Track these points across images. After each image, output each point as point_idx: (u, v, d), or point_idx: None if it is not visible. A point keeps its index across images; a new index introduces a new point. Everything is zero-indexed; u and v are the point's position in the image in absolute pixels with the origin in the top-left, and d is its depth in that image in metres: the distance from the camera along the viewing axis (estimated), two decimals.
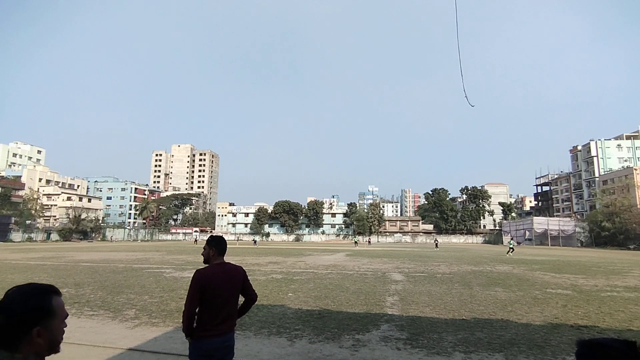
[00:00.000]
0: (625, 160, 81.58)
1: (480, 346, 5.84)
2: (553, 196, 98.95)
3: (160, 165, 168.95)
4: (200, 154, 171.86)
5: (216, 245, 3.17)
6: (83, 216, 76.61)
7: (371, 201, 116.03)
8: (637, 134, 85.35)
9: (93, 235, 78.08)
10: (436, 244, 52.87)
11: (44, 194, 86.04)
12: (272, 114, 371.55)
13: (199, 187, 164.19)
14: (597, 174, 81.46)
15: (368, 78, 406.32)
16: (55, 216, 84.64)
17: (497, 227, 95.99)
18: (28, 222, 71.37)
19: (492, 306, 9.10)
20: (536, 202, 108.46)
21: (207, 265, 3.14)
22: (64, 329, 1.31)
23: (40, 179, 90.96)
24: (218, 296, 2.97)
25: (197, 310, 2.99)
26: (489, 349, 5.71)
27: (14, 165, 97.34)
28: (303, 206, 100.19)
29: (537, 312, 8.41)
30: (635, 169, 69.01)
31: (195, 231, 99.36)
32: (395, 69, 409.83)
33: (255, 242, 61.15)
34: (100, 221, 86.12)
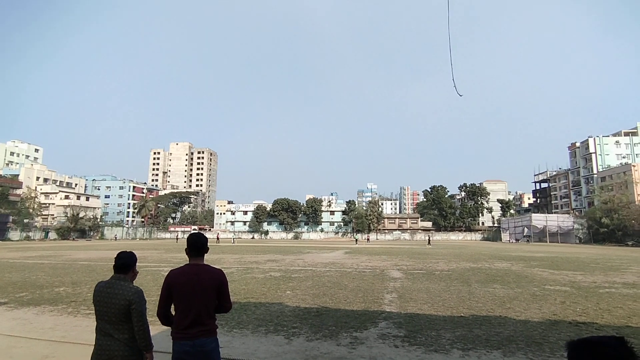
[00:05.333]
0: (624, 157, 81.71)
1: (478, 343, 5.82)
2: (551, 193, 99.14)
3: (158, 164, 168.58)
4: (199, 152, 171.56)
5: (189, 245, 3.03)
6: (81, 215, 76.40)
7: (370, 199, 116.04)
8: (635, 130, 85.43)
9: (91, 234, 77.95)
10: (429, 241, 52.94)
11: (42, 193, 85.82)
12: (271, 112, 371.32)
13: (197, 185, 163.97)
14: (595, 171, 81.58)
15: (367, 76, 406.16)
16: (53, 215, 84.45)
17: (495, 224, 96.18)
18: (26, 221, 71.22)
19: (490, 303, 9.09)
20: (535, 199, 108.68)
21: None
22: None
23: (37, 178, 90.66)
24: (183, 298, 2.87)
25: (170, 310, 2.99)
26: (487, 346, 5.69)
27: (12, 164, 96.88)
28: (302, 204, 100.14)
29: (536, 309, 8.40)
30: (634, 166, 69.13)
31: (194, 229, 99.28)
32: (395, 67, 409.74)
33: (234, 240, 61.64)
34: (99, 220, 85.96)
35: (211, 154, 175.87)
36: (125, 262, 3.00)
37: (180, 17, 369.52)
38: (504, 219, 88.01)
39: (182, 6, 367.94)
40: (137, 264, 3.10)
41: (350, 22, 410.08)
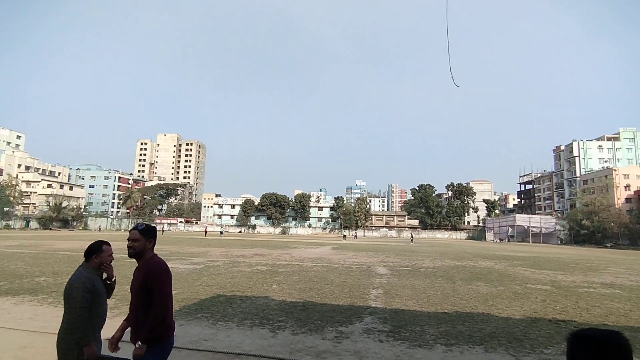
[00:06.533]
0: (606, 161, 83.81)
1: (461, 339, 5.91)
2: (536, 194, 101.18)
3: (145, 155, 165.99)
4: (187, 144, 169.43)
5: (155, 236, 3.00)
6: (64, 204, 74.75)
7: (358, 195, 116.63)
8: (617, 135, 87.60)
9: (74, 224, 76.41)
10: (412, 239, 53.47)
11: (23, 181, 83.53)
12: (261, 106, 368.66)
13: (185, 178, 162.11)
14: (578, 174, 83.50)
15: (357, 73, 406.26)
16: (34, 204, 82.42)
17: (480, 224, 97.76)
18: (6, 209, 69.29)
19: (473, 300, 9.24)
20: (519, 200, 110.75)
21: (146, 257, 2.93)
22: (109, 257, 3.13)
23: (19, 165, 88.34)
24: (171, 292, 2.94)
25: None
26: (469, 341, 5.78)
27: None
28: (290, 199, 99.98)
29: (517, 307, 8.58)
30: (615, 170, 70.97)
31: (181, 221, 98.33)
32: (385, 65, 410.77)
33: (221, 233, 61.15)
34: (82, 210, 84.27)
35: (200, 146, 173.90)
36: (88, 250, 3.04)
37: (172, 9, 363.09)
38: (489, 218, 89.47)
39: None
40: (111, 255, 3.17)
41: (340, 21, 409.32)
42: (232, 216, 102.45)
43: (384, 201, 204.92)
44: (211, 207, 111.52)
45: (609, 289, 11.72)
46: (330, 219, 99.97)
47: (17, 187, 75.11)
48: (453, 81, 8.12)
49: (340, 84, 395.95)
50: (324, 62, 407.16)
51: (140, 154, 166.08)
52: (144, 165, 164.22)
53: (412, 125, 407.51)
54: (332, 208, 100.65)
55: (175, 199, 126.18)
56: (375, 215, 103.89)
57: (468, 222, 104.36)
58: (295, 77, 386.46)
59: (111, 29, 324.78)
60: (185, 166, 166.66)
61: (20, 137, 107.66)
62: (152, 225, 3.04)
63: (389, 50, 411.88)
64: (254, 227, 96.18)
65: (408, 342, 5.73)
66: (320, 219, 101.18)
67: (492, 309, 8.29)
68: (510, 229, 73.40)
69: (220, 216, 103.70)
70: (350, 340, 5.76)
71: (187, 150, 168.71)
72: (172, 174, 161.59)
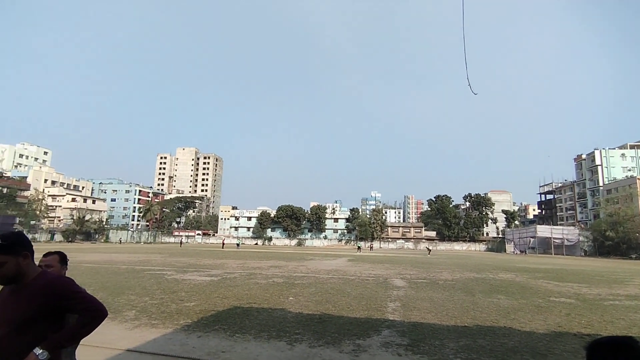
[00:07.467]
0: (629, 170, 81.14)
1: (482, 353, 5.77)
2: (557, 205, 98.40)
3: (164, 168, 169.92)
4: (205, 157, 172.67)
5: (27, 247, 2.13)
6: (87, 217, 77.01)
7: (374, 207, 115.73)
8: None
9: (96, 236, 78.40)
10: (429, 251, 52.64)
11: (49, 195, 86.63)
12: (276, 119, 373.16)
13: (202, 190, 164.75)
14: (601, 183, 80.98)
15: (372, 84, 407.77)
16: (59, 217, 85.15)
17: (500, 235, 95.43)
18: (32, 222, 71.83)
19: (494, 314, 9.01)
20: (540, 211, 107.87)
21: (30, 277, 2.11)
22: None
23: (45, 180, 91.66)
24: None
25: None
26: (491, 356, 5.64)
27: (20, 166, 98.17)
28: (306, 211, 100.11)
29: (540, 320, 8.32)
30: (639, 179, 68.54)
31: (198, 234, 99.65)
32: (401, 77, 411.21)
33: (238, 245, 60.83)
34: (104, 223, 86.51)
35: (217, 159, 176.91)
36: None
37: (188, 25, 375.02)
38: (508, 230, 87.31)
39: (188, 13, 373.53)
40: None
41: (355, 32, 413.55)
42: (248, 228, 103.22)
43: (399, 212, 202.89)
44: (228, 219, 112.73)
45: (634, 301, 11.39)
46: (345, 231, 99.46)
47: (43, 201, 77.88)
48: (470, 89, 8.13)
49: (355, 96, 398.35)
50: (339, 74, 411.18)
51: (160, 168, 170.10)
52: (163, 179, 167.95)
53: (428, 135, 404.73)
54: (347, 219, 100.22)
55: (193, 211, 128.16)
56: (391, 226, 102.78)
57: (487, 234, 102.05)
58: (311, 90, 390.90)
59: (133, 46, 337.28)
60: (203, 179, 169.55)
61: (47, 152, 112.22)
62: (16, 232, 2.17)
63: (404, 61, 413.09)
64: (270, 239, 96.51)
65: (427, 356, 5.64)
66: (335, 231, 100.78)
67: (513, 322, 8.07)
68: (531, 240, 71.34)
69: (236, 228, 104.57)
70: (368, 354, 5.70)
71: (204, 163, 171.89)
72: (190, 186, 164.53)
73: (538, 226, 75.88)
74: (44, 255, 2.81)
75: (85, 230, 75.64)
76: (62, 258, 2.89)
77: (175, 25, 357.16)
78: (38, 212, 74.71)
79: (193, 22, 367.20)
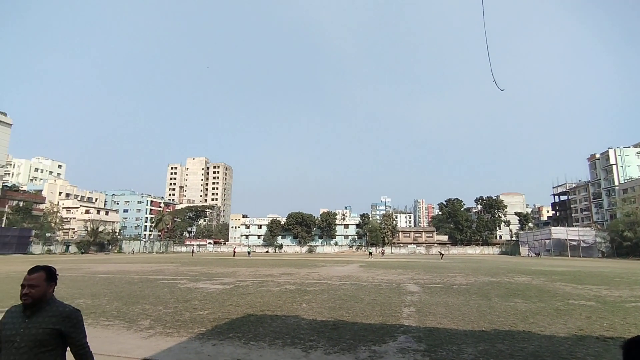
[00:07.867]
0: None
1: (502, 358, 5.64)
2: (571, 206, 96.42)
3: (175, 178, 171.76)
4: (214, 167, 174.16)
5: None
6: (100, 229, 78.05)
7: (384, 212, 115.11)
8: None
9: (110, 247, 79.37)
10: (441, 255, 52.00)
11: (64, 207, 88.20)
12: (285, 127, 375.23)
13: (212, 200, 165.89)
14: (616, 183, 79.22)
15: (382, 89, 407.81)
16: (74, 229, 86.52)
17: (514, 238, 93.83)
18: (48, 235, 73.07)
19: (512, 317, 8.82)
20: (554, 212, 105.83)
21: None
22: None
23: (60, 193, 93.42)
24: None
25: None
26: None
27: (36, 180, 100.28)
28: (316, 217, 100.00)
29: (561, 324, 8.11)
30: None
31: (209, 242, 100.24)
32: (410, 81, 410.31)
33: (249, 253, 61.51)
34: (117, 233, 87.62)
35: (226, 168, 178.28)
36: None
37: (197, 38, 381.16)
38: (522, 232, 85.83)
39: (197, 26, 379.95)
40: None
41: (364, 37, 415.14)
42: (259, 236, 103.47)
43: (410, 217, 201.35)
44: (238, 227, 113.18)
45: None
46: (356, 237, 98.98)
47: (58, 213, 79.32)
48: (496, 84, 8.19)
49: (364, 101, 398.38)
50: (348, 80, 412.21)
51: (171, 178, 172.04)
52: (174, 189, 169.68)
53: (438, 139, 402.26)
54: (357, 225, 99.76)
55: (204, 220, 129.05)
56: (402, 231, 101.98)
57: (500, 237, 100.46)
58: (321, 96, 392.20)
59: (143, 57, 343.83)
60: (213, 188, 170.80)
61: (61, 166, 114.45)
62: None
63: (411, 66, 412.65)
64: (280, 246, 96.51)
65: None
66: (346, 237, 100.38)
67: (532, 326, 7.88)
68: (546, 243, 69.97)
69: (247, 236, 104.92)
70: None
71: (214, 172, 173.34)
72: (201, 196, 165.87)
73: (553, 228, 74.41)
74: (29, 273, 2.44)
75: (98, 241, 76.67)
76: (50, 275, 2.49)
77: (185, 37, 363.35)
78: (53, 225, 76.09)
79: (202, 34, 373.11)
